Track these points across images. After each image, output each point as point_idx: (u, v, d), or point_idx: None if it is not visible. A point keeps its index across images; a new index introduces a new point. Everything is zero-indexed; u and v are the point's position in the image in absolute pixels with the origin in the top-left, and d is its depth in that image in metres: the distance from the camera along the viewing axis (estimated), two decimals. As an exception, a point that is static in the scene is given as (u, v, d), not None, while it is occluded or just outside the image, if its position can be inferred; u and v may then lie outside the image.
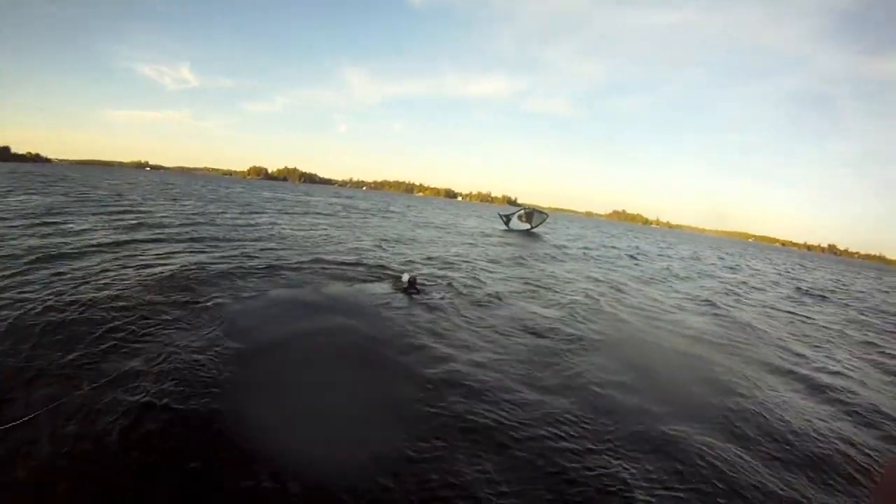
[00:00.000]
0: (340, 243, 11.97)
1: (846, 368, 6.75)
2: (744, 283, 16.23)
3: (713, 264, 23.14)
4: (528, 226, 26.94)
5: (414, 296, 6.81)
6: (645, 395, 4.34)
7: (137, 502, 2.47)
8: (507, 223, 27.63)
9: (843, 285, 22.62)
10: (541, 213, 27.96)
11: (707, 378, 5.21)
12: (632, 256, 20.18)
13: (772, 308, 11.46)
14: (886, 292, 22.55)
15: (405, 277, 7.21)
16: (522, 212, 27.94)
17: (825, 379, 6.01)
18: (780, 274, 23.55)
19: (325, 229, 15.29)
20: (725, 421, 4.13)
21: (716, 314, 9.27)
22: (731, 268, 22.40)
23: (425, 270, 8.92)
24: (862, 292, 19.91)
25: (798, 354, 7.10)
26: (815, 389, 5.55)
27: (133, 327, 4.43)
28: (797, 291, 16.18)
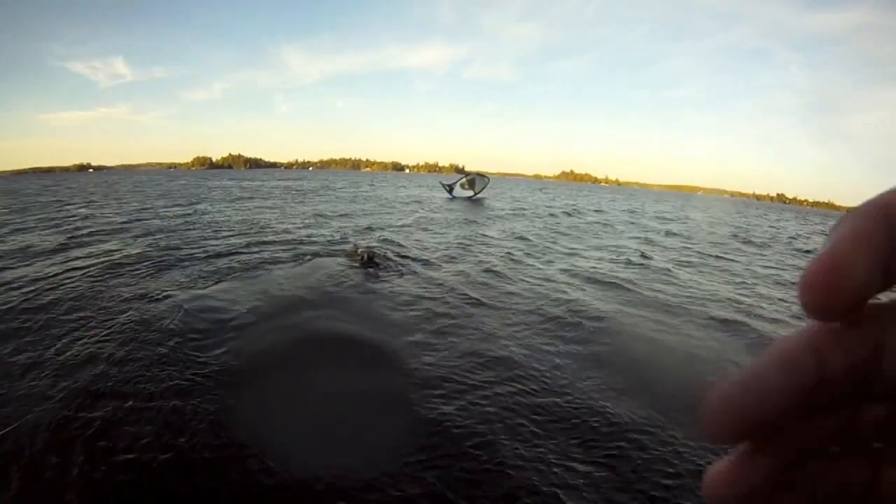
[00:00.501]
0: (286, 224, 11.82)
1: (790, 315, 6.25)
2: (677, 234, 15.54)
3: (654, 217, 22.68)
4: (471, 192, 25.54)
5: (370, 270, 6.54)
6: (579, 360, 4.03)
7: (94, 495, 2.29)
8: (450, 192, 26.14)
9: (785, 231, 22.62)
10: (483, 177, 26.55)
11: (640, 336, 4.81)
12: (568, 214, 19.77)
13: (709, 256, 10.85)
14: (827, 235, 22.53)
15: (361, 252, 6.98)
16: (464, 179, 26.46)
17: (765, 327, 5.44)
18: (725, 223, 23.34)
19: (270, 212, 14.97)
20: (666, 386, 3.66)
21: (643, 265, 8.84)
22: (669, 219, 22.00)
23: (374, 244, 8.67)
24: (808, 237, 19.81)
25: (732, 301, 6.59)
26: (754, 335, 5.06)
27: (91, 325, 4.38)
28: (734, 238, 15.65)
